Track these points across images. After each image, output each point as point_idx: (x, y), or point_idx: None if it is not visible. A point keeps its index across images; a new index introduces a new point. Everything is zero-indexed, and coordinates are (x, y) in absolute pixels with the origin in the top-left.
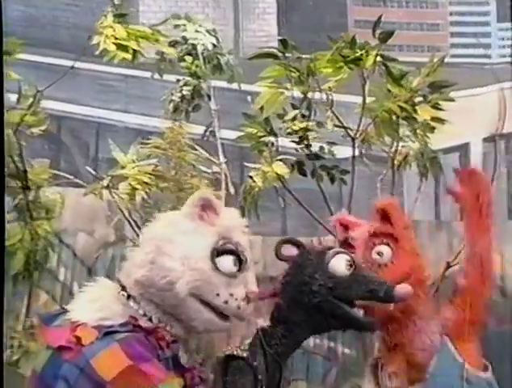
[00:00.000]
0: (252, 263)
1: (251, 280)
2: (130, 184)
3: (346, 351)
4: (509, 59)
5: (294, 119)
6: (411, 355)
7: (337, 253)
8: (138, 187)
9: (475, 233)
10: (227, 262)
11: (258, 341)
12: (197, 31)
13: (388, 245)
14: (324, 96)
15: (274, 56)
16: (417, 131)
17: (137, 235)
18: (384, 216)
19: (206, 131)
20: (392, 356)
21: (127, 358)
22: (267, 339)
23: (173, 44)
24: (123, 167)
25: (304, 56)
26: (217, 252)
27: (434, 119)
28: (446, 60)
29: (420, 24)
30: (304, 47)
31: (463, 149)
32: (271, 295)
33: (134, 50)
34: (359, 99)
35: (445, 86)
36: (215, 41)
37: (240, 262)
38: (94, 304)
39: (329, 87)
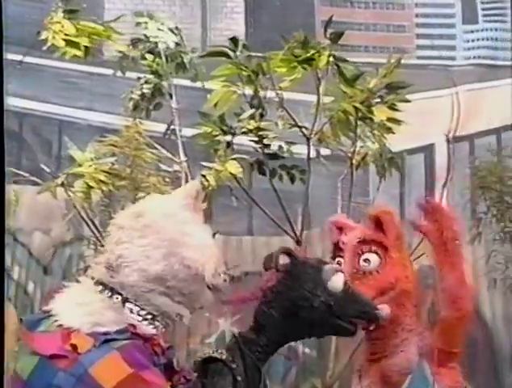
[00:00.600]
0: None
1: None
2: (85, 182)
3: (307, 350)
4: (473, 61)
5: (251, 118)
6: (387, 374)
7: (336, 271)
8: (94, 185)
9: (442, 268)
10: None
11: (235, 345)
12: (159, 29)
13: (376, 253)
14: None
15: (226, 55)
16: (375, 131)
17: (100, 233)
18: (378, 223)
19: (167, 129)
20: (369, 369)
21: (128, 366)
22: (248, 344)
23: (135, 41)
24: (80, 165)
25: (254, 54)
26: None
27: (390, 119)
28: (411, 61)
29: (386, 25)
30: (272, 47)
31: (429, 150)
32: (251, 299)
33: (86, 47)
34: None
35: (401, 87)
36: (177, 39)
37: None
38: (83, 308)
39: (280, 87)
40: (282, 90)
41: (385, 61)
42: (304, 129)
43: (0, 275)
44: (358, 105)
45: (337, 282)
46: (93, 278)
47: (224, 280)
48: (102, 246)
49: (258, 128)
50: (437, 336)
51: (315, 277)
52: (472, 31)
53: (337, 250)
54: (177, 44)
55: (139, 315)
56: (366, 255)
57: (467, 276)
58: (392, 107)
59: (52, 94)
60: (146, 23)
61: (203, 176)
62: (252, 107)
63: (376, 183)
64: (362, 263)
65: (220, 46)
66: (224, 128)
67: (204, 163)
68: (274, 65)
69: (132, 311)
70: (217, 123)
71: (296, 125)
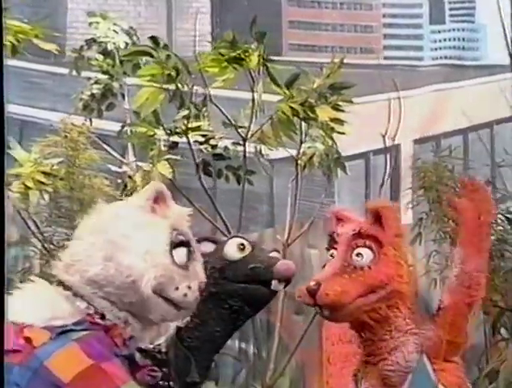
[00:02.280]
0: (199, 253)
1: (200, 269)
2: (23, 183)
3: (257, 352)
4: (441, 61)
5: (185, 118)
6: (385, 374)
7: (232, 238)
8: (31, 186)
9: (469, 251)
10: (181, 254)
11: (174, 335)
12: (110, 29)
13: (370, 248)
14: (205, 96)
15: (149, 54)
16: (321, 132)
17: (42, 234)
18: (376, 217)
19: (121, 130)
20: (367, 371)
21: (87, 357)
22: (182, 333)
23: (89, 42)
24: (21, 166)
25: (175, 53)
26: (173, 245)
27: (333, 120)
28: (379, 62)
29: (354, 26)
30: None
31: (394, 151)
32: None
33: (13, 45)
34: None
35: (345, 88)
36: (129, 40)
37: (189, 252)
38: (37, 304)
39: (206, 86)
40: (210, 89)
41: (353, 61)
42: (241, 130)
43: (0, 274)
44: (294, 106)
45: (229, 248)
46: (52, 275)
47: (185, 295)
48: (45, 247)
49: (192, 129)
50: (443, 325)
51: (216, 250)
52: (440, 32)
53: (333, 241)
54: (133, 43)
55: (88, 309)
56: (359, 250)
57: (487, 264)
58: (336, 108)
59: (15, 95)
60: (98, 23)
61: (130, 177)
62: (180, 106)
63: (342, 183)
64: (354, 257)
65: (143, 45)
66: (160, 127)
67: (141, 163)
68: (206, 64)
69: (80, 306)
70: (153, 123)
71: (231, 125)
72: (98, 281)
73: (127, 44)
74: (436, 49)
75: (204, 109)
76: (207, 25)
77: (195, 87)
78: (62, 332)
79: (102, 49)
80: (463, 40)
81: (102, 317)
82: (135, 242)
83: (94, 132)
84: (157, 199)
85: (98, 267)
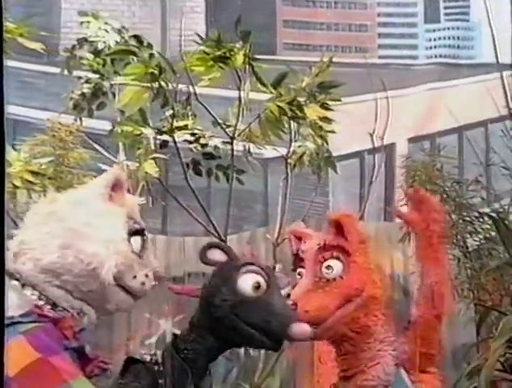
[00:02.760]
0: (149, 241)
1: (153, 258)
2: (12, 183)
3: (251, 351)
4: (436, 60)
5: (171, 117)
6: None
7: (248, 272)
8: (20, 185)
9: (425, 263)
10: (137, 242)
11: (170, 344)
12: (101, 28)
13: (338, 259)
14: (189, 94)
15: (133, 53)
16: (310, 131)
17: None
18: (338, 228)
19: (112, 129)
20: (346, 386)
21: (34, 351)
22: (179, 343)
23: (80, 41)
24: (10, 165)
25: (155, 52)
26: (130, 233)
27: (322, 119)
28: (374, 61)
29: (348, 25)
30: None
31: (389, 150)
32: (191, 295)
33: None
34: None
35: (333, 86)
36: (120, 39)
37: (143, 241)
38: None
39: (188, 86)
40: (197, 88)
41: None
42: (228, 129)
43: (0, 273)
44: (282, 105)
45: (244, 283)
46: None
47: (142, 284)
48: None
49: (179, 128)
50: (414, 339)
51: (228, 276)
52: (434, 30)
53: (298, 260)
54: (126, 42)
55: (40, 299)
56: (328, 262)
57: (448, 273)
58: (325, 107)
59: (7, 94)
60: (89, 22)
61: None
62: (164, 105)
63: (336, 183)
64: (324, 270)
65: (126, 44)
66: (147, 126)
67: (128, 163)
68: (191, 63)
69: (32, 294)
70: (139, 122)
71: (218, 124)
72: (55, 270)
73: (118, 43)
74: (431, 48)
75: (189, 108)
76: (201, 24)
77: (180, 86)
78: (8, 324)
79: (93, 49)
80: (458, 38)
81: (54, 306)
82: (96, 229)
83: (85, 131)
84: (115, 187)
85: (54, 255)
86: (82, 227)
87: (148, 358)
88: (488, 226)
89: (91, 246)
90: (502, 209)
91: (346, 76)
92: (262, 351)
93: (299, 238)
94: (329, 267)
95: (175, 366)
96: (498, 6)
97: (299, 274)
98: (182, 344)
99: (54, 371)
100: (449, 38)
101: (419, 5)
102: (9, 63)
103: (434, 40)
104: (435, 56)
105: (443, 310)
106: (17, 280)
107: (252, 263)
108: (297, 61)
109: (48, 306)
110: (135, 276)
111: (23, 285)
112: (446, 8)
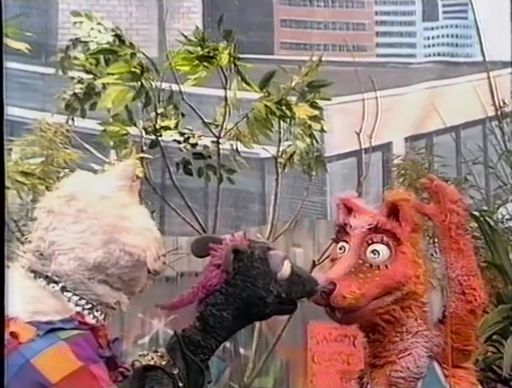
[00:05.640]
0: None
1: None
2: None
3: (242, 351)
4: (434, 58)
5: (156, 116)
6: (394, 381)
7: (283, 259)
8: (10, 186)
9: (448, 255)
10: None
11: (177, 346)
12: (93, 28)
13: (387, 245)
14: (171, 93)
15: (115, 52)
16: (298, 130)
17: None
18: (393, 211)
19: (105, 129)
20: (374, 375)
21: (77, 359)
22: (191, 346)
23: (74, 42)
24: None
25: (138, 51)
26: None
27: (311, 118)
28: (372, 59)
29: (346, 24)
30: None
31: (386, 148)
32: (190, 302)
33: None
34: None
35: (323, 86)
36: (112, 40)
37: None
38: (19, 295)
39: (170, 85)
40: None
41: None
42: (213, 129)
43: (0, 273)
44: (269, 104)
45: (286, 271)
46: (23, 267)
47: (164, 263)
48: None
49: (164, 127)
50: (448, 333)
51: (264, 271)
52: (433, 28)
53: (343, 233)
54: (122, 41)
55: (77, 305)
56: (375, 246)
57: (476, 264)
58: (314, 106)
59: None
60: (81, 22)
61: None
62: (146, 104)
63: (334, 182)
64: (369, 254)
65: (107, 43)
66: (133, 126)
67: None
68: (177, 63)
69: (69, 300)
70: (126, 122)
71: (204, 123)
72: (102, 265)
73: (109, 43)
74: (429, 46)
75: (171, 107)
76: (198, 25)
77: (164, 85)
78: (51, 330)
79: (86, 49)
80: (457, 36)
81: (91, 310)
82: (130, 221)
83: (78, 131)
84: (134, 177)
85: (99, 251)
86: (118, 221)
87: (164, 362)
88: (476, 225)
89: (132, 237)
90: (487, 208)
91: (346, 75)
92: (253, 350)
93: (349, 209)
94: (375, 251)
95: (191, 368)
96: (498, 6)
97: (340, 248)
98: (198, 349)
99: (94, 380)
100: (447, 36)
101: (417, 3)
102: (8, 65)
103: (433, 38)
104: (434, 55)
105: (477, 304)
106: (55, 282)
107: (269, 248)
108: (294, 61)
109: (86, 311)
110: (158, 258)
111: (63, 289)
112: (444, 6)
